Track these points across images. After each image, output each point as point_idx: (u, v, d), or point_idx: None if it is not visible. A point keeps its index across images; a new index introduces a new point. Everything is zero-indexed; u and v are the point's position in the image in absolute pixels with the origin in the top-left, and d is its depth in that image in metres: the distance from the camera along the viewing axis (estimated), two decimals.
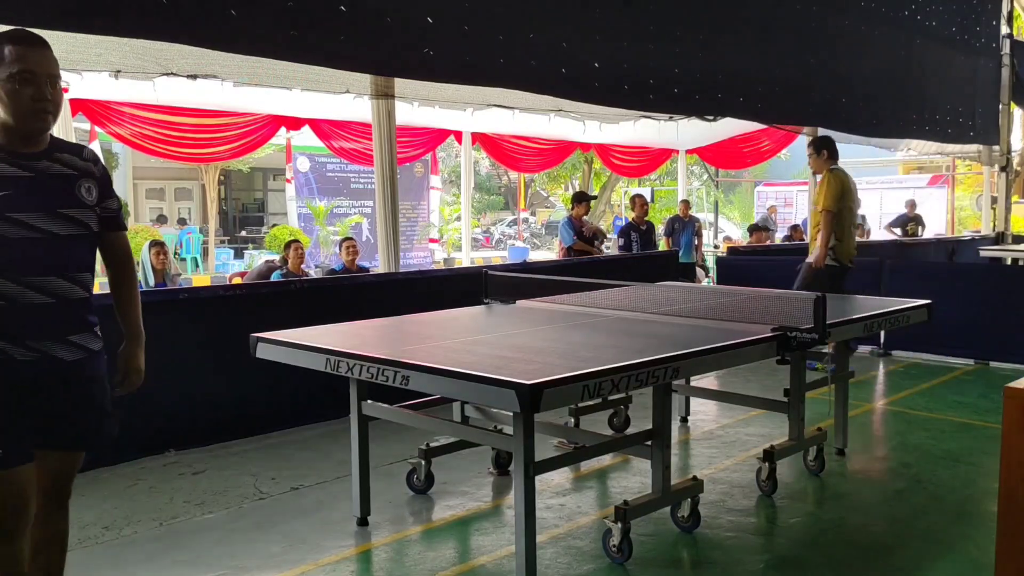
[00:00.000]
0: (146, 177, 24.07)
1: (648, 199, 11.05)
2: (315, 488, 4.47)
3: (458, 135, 12.52)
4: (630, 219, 10.53)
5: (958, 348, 7.62)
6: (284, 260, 8.54)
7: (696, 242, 11.91)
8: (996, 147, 13.08)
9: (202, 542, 3.78)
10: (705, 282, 12.36)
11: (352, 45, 5.51)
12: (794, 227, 15.60)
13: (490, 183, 33.04)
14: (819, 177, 7.00)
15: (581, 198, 10.03)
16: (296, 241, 8.58)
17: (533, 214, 33.03)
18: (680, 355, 3.29)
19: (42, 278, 2.47)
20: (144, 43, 5.74)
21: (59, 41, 5.50)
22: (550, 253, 24.03)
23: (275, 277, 8.20)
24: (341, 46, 5.45)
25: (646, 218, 10.50)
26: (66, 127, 8.59)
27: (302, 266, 8.47)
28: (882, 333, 7.74)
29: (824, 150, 6.93)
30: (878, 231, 16.42)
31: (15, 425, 2.45)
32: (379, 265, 6.62)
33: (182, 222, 23.33)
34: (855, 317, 4.40)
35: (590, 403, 5.07)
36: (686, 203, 12.78)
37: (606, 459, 4.76)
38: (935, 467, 4.77)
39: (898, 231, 15.06)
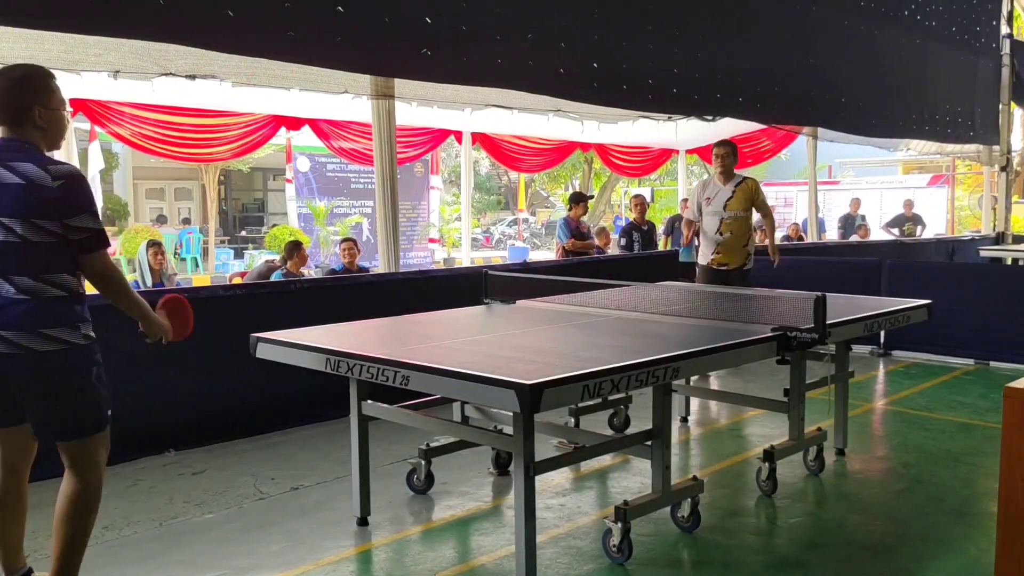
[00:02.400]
0: (146, 177, 24.09)
1: (647, 199, 11.04)
2: (315, 488, 4.47)
3: (458, 135, 12.51)
4: (631, 219, 10.54)
5: (958, 348, 7.62)
6: (284, 260, 8.54)
7: (696, 241, 11.93)
8: (996, 147, 13.09)
9: (202, 542, 3.78)
10: None
11: (350, 46, 5.51)
12: (792, 226, 15.64)
13: (490, 183, 33.04)
14: (733, 184, 6.76)
15: (578, 199, 10.01)
16: (300, 245, 8.55)
17: (533, 214, 33.02)
18: (680, 355, 3.29)
19: None
20: (143, 43, 5.73)
21: (58, 42, 5.53)
22: (550, 253, 24.01)
23: (276, 276, 8.20)
24: (339, 47, 5.45)
25: (646, 218, 10.51)
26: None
27: (302, 268, 8.47)
28: (882, 333, 7.74)
29: (737, 155, 6.92)
30: (877, 231, 16.44)
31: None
32: (379, 265, 6.62)
33: (186, 222, 23.33)
34: (855, 317, 4.40)
35: (590, 403, 5.07)
36: (686, 202, 12.81)
37: (606, 459, 4.76)
38: (935, 467, 4.77)
39: (895, 231, 15.08)
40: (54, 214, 2.81)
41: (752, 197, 6.79)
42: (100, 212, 2.98)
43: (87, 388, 2.95)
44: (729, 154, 6.81)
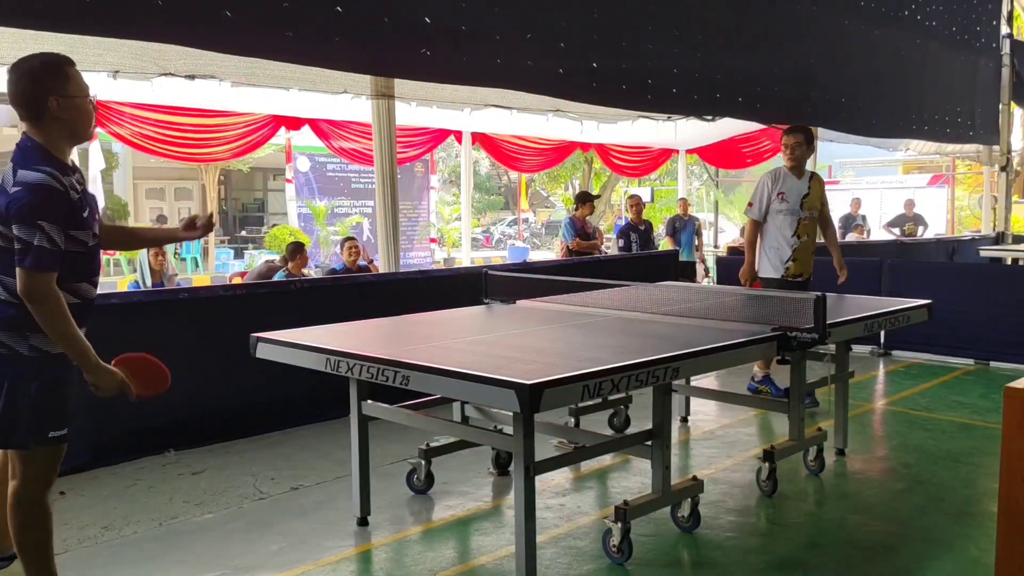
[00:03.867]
0: (146, 177, 24.09)
1: (643, 199, 11.11)
2: (315, 488, 4.47)
3: (458, 135, 12.52)
4: (629, 219, 10.58)
5: (958, 348, 7.62)
6: (285, 260, 8.54)
7: (696, 241, 12.07)
8: (996, 147, 13.09)
9: (201, 542, 3.78)
10: (705, 282, 12.40)
11: (348, 46, 5.51)
12: None
13: (490, 183, 33.05)
14: (807, 179, 5.90)
15: (585, 198, 10.03)
16: (302, 247, 8.55)
17: (533, 214, 33.03)
18: (680, 355, 3.29)
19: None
20: (142, 43, 5.73)
21: (58, 42, 5.52)
22: (550, 253, 24.05)
23: (279, 277, 8.20)
24: (337, 47, 5.45)
25: (643, 217, 10.55)
26: None
27: (303, 269, 8.47)
28: (882, 333, 7.74)
29: (812, 143, 6.04)
30: (877, 231, 16.45)
31: None
32: (379, 265, 6.62)
33: None
34: (855, 317, 4.39)
35: (590, 403, 5.06)
36: (684, 201, 12.89)
37: (606, 459, 4.76)
38: (935, 467, 4.77)
39: (896, 231, 15.09)
40: (6, 220, 2.70)
41: (823, 195, 5.97)
42: (62, 227, 2.72)
43: (18, 400, 2.77)
44: (801, 143, 5.83)
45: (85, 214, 2.85)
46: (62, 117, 2.78)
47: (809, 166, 11.62)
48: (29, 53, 2.86)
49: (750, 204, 6.06)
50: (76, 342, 2.76)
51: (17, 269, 2.68)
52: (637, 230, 10.22)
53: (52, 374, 2.84)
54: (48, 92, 2.75)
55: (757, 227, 5.95)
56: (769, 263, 5.90)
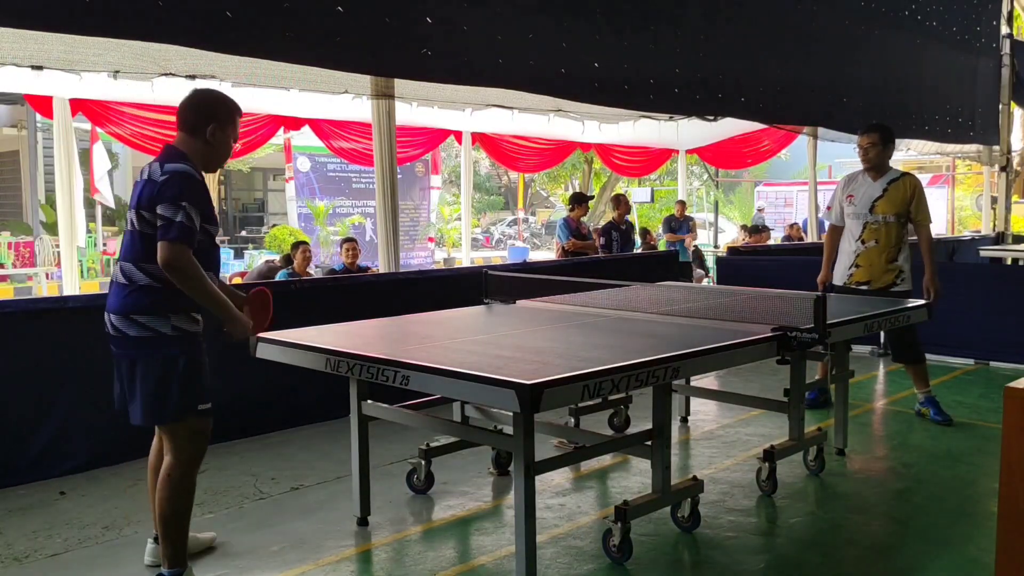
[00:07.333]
0: None
1: (622, 199, 11.16)
2: (315, 488, 4.47)
3: (458, 135, 12.52)
4: (612, 219, 10.66)
5: (958, 348, 7.61)
6: (286, 259, 8.55)
7: (690, 237, 12.22)
8: (996, 147, 13.09)
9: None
10: (705, 282, 12.44)
11: (349, 46, 5.51)
12: (791, 225, 15.67)
13: (490, 183, 33.05)
14: (885, 180, 5.56)
15: (579, 199, 10.06)
16: (304, 244, 8.57)
17: (533, 214, 33.03)
18: (680, 355, 3.29)
19: None
20: (143, 43, 5.73)
21: (58, 41, 5.54)
22: (550, 253, 24.02)
23: (283, 275, 8.19)
24: (338, 47, 5.45)
25: (627, 217, 10.62)
26: (66, 127, 8.63)
27: (308, 268, 8.48)
28: (882, 333, 7.74)
29: (890, 143, 5.65)
30: None
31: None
32: (379, 265, 6.62)
33: None
34: (855, 317, 4.39)
35: (590, 403, 5.06)
36: (682, 204, 12.97)
37: (606, 459, 4.76)
38: (935, 467, 4.77)
39: None
40: (152, 204, 3.05)
41: (909, 199, 5.49)
42: (199, 213, 3.08)
43: (166, 377, 3.09)
44: (876, 143, 5.54)
45: (215, 213, 3.24)
46: (209, 142, 3.23)
47: (808, 165, 11.64)
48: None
49: (828, 208, 5.84)
50: (218, 298, 3.14)
51: (159, 242, 2.99)
52: (618, 228, 10.28)
53: (194, 350, 3.18)
54: (212, 119, 3.23)
55: (834, 232, 5.79)
56: (839, 269, 5.71)
